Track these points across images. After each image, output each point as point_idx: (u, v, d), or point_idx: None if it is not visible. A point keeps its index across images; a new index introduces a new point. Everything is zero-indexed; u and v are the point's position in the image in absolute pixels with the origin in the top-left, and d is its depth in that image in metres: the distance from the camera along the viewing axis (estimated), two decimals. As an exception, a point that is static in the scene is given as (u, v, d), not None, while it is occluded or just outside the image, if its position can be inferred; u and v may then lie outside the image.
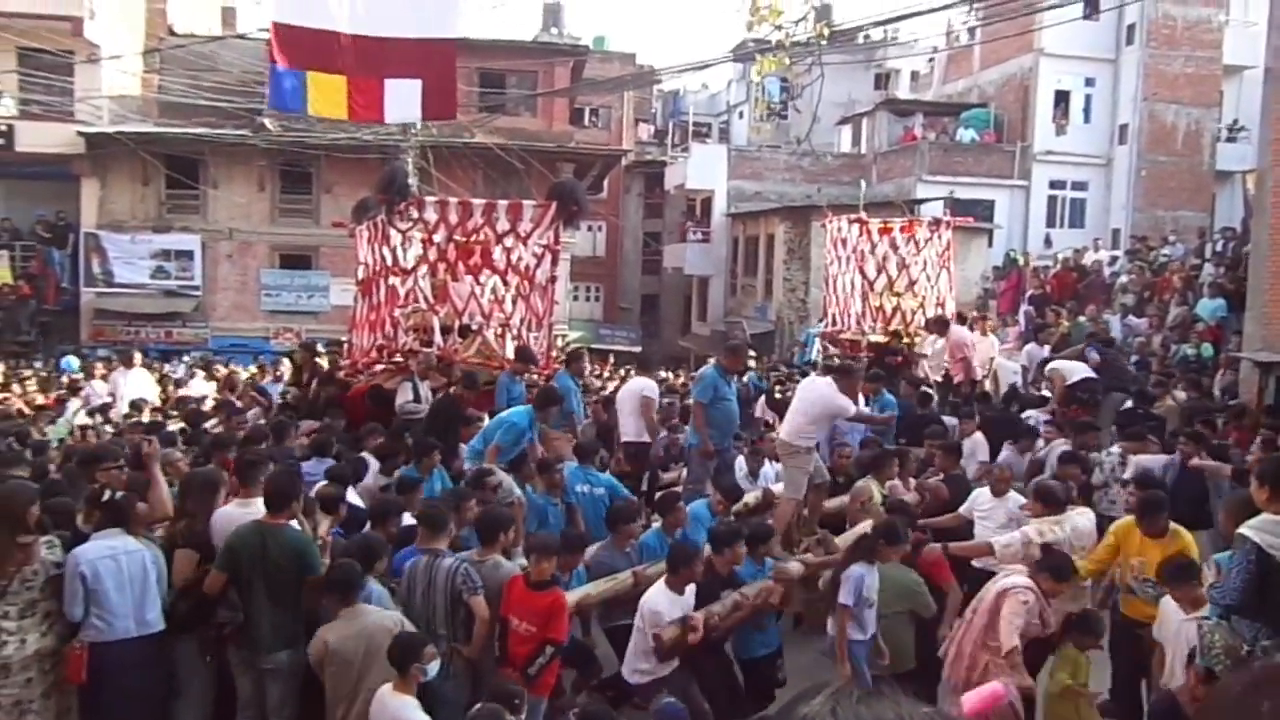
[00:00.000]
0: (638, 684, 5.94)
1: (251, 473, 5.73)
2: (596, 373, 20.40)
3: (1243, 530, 4.56)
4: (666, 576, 6.00)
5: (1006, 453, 9.60)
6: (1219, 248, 20.20)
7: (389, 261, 11.09)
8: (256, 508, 5.52)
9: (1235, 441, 10.17)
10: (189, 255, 25.81)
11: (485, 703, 4.67)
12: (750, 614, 6.43)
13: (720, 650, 6.55)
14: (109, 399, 14.17)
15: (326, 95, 9.73)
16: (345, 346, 12.84)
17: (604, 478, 8.33)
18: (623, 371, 21.97)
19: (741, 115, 40.17)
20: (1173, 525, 6.14)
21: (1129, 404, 11.82)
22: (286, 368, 15.16)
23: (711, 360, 9.31)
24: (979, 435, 10.01)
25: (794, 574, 6.99)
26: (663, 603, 5.87)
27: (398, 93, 9.33)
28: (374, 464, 8.04)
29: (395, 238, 11.01)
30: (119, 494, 5.65)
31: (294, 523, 5.55)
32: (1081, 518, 6.70)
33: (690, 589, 5.97)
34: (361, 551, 5.51)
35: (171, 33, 27.22)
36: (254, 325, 25.85)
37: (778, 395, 13.26)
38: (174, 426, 10.63)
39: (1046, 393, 12.37)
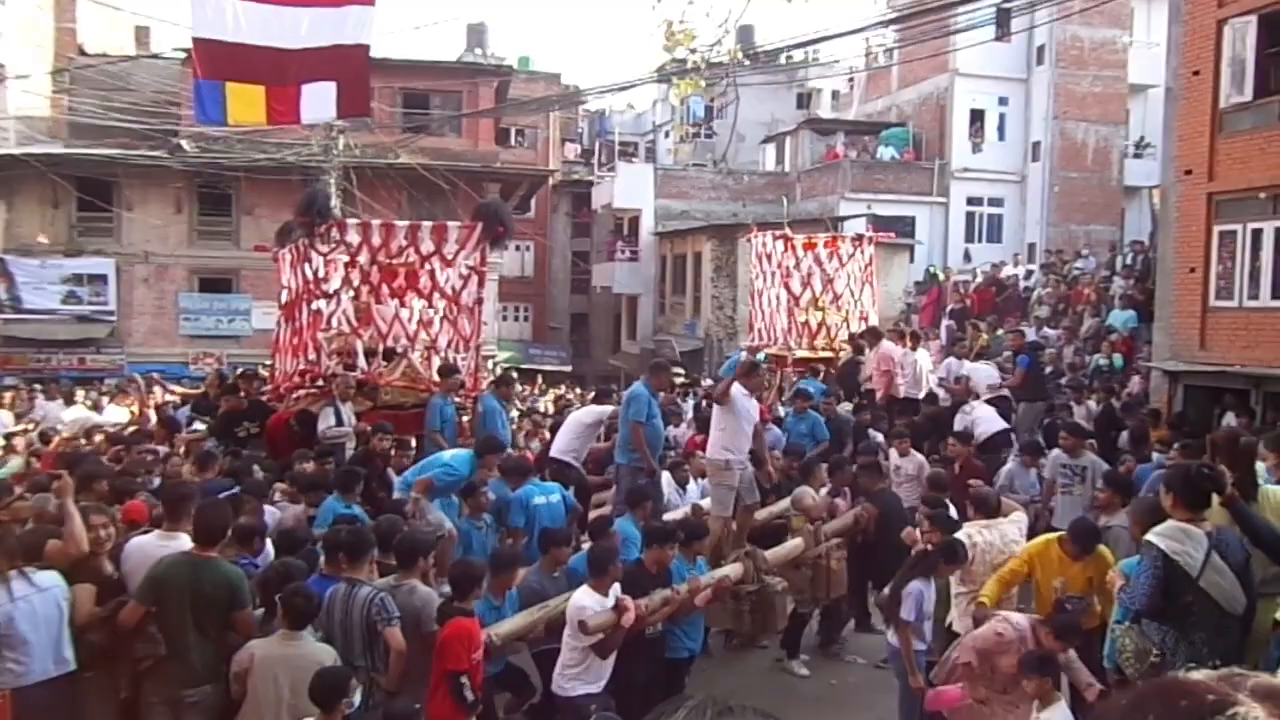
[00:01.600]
0: (568, 698, 5.88)
1: (179, 506, 5.58)
2: (525, 393, 20.32)
3: (1149, 537, 4.70)
4: (590, 580, 5.99)
5: (1012, 464, 9.76)
6: (1129, 260, 20.90)
7: (312, 285, 10.92)
8: (181, 541, 5.37)
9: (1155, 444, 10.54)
10: (103, 279, 25.07)
11: None
12: (679, 609, 6.47)
13: (655, 653, 6.57)
14: (17, 429, 13.66)
15: (245, 104, 9.75)
16: (268, 371, 12.64)
17: (550, 484, 8.28)
18: (553, 391, 21.92)
19: (667, 135, 40.49)
20: (1100, 547, 6.22)
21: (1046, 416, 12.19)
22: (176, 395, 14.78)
23: (640, 379, 9.35)
24: (915, 454, 10.21)
25: (731, 576, 7.11)
26: (588, 601, 5.86)
27: (313, 95, 9.37)
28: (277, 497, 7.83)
29: (317, 260, 10.84)
30: (26, 528, 5.43)
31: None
32: (1012, 526, 6.84)
33: (615, 589, 5.97)
34: (282, 577, 5.38)
35: (82, 52, 26.53)
36: (173, 350, 25.18)
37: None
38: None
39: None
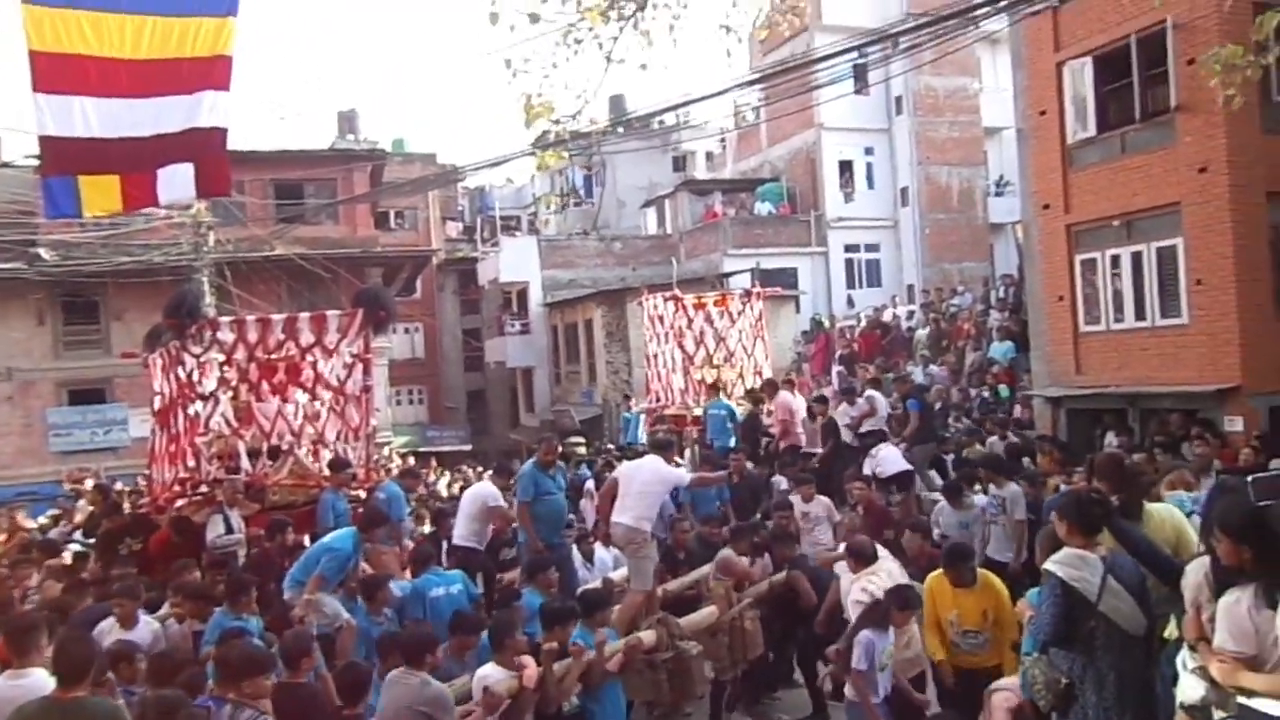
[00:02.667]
0: None
1: (24, 639, 5.08)
2: (425, 474, 19.86)
3: (1047, 566, 4.75)
4: (494, 656, 5.88)
5: (942, 503, 9.84)
6: (1001, 294, 21.75)
7: (186, 388, 10.47)
8: (34, 679, 4.90)
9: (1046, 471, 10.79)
10: (-38, 401, 23.70)
11: None
12: (590, 674, 6.30)
13: None
14: None
15: (99, 194, 9.37)
16: (145, 482, 12.03)
17: (452, 574, 7.98)
18: (451, 473, 21.47)
19: (548, 207, 40.76)
20: (982, 573, 6.35)
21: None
22: (80, 513, 13.97)
23: (532, 458, 9.23)
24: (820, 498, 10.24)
25: (645, 642, 6.96)
26: (491, 671, 5.76)
27: (170, 178, 9.10)
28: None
29: (190, 363, 10.42)
30: None
31: None
32: (893, 563, 6.90)
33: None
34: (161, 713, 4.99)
35: (-71, 165, 25.34)
36: (43, 470, 23.81)
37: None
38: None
39: None
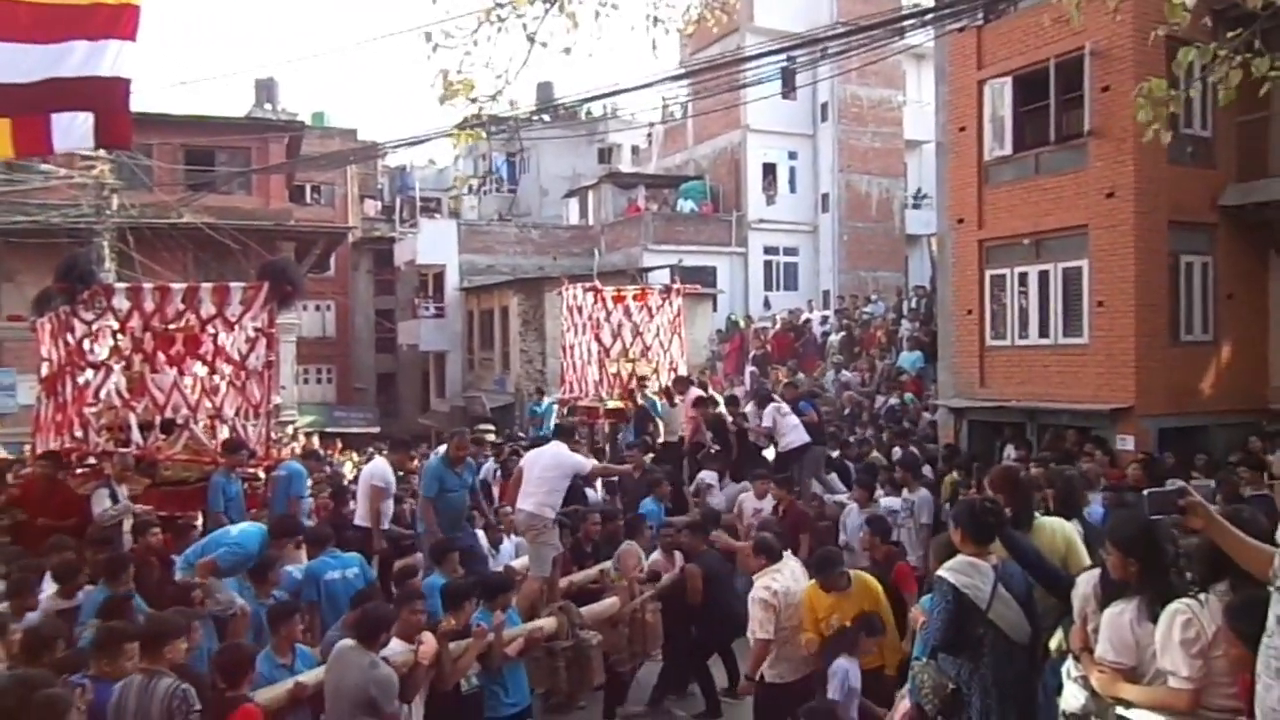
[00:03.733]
0: None
1: None
2: (335, 455, 19.45)
3: (940, 572, 4.82)
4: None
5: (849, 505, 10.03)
6: (913, 304, 22.19)
7: (75, 355, 10.01)
8: None
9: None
10: None
11: None
12: (489, 656, 6.31)
13: (474, 710, 6.34)
14: None
15: None
16: (30, 452, 11.48)
17: (350, 557, 7.80)
18: (357, 455, 21.05)
19: (470, 190, 40.26)
20: (856, 575, 6.48)
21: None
22: None
23: (438, 450, 9.07)
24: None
25: (545, 630, 7.03)
26: (395, 647, 5.75)
27: (66, 125, 8.69)
28: (48, 585, 7.01)
29: (80, 329, 9.96)
30: None
31: None
32: (795, 563, 6.97)
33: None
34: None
35: None
36: (-77, 434, 22.63)
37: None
38: None
39: None
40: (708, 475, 11.62)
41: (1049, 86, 13.98)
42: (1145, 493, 3.76)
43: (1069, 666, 4.27)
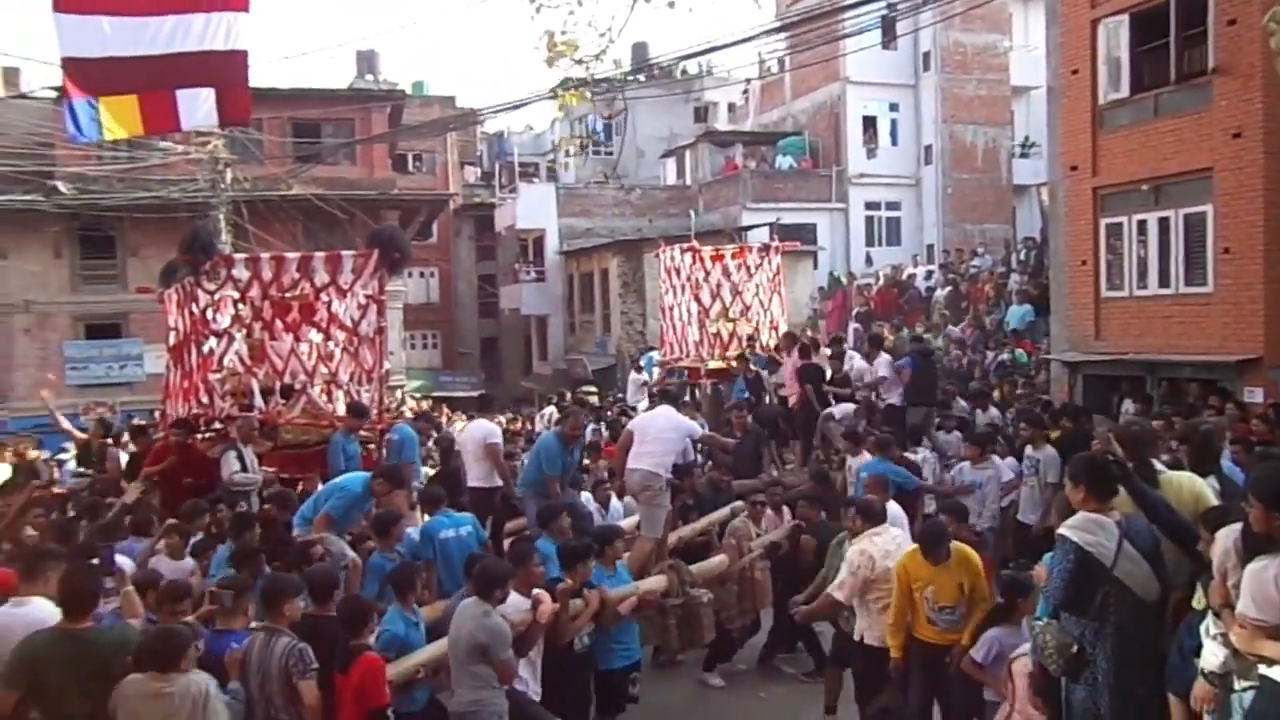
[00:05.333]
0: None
1: (34, 569, 5.12)
2: (444, 419, 19.92)
3: (1061, 530, 4.69)
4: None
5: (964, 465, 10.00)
6: (1022, 257, 21.51)
7: (200, 324, 10.46)
8: (34, 606, 4.94)
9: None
10: (-21, 332, 23.82)
11: None
12: (603, 615, 6.42)
13: (585, 667, 6.49)
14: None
15: (119, 116, 9.37)
16: (160, 417, 12.10)
17: (463, 516, 8.02)
18: (467, 417, 21.55)
19: (567, 153, 40.43)
20: (957, 546, 6.16)
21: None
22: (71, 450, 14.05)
23: (554, 428, 9.22)
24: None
25: (650, 589, 7.06)
26: (515, 602, 5.87)
27: (190, 102, 9.03)
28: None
29: (204, 299, 10.39)
30: None
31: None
32: (897, 529, 6.87)
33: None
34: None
35: (-53, 94, 25.27)
36: (61, 402, 23.92)
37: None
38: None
39: None
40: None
41: (1169, 23, 13.30)
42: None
43: (1208, 624, 4.13)
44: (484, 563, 6.03)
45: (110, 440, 12.27)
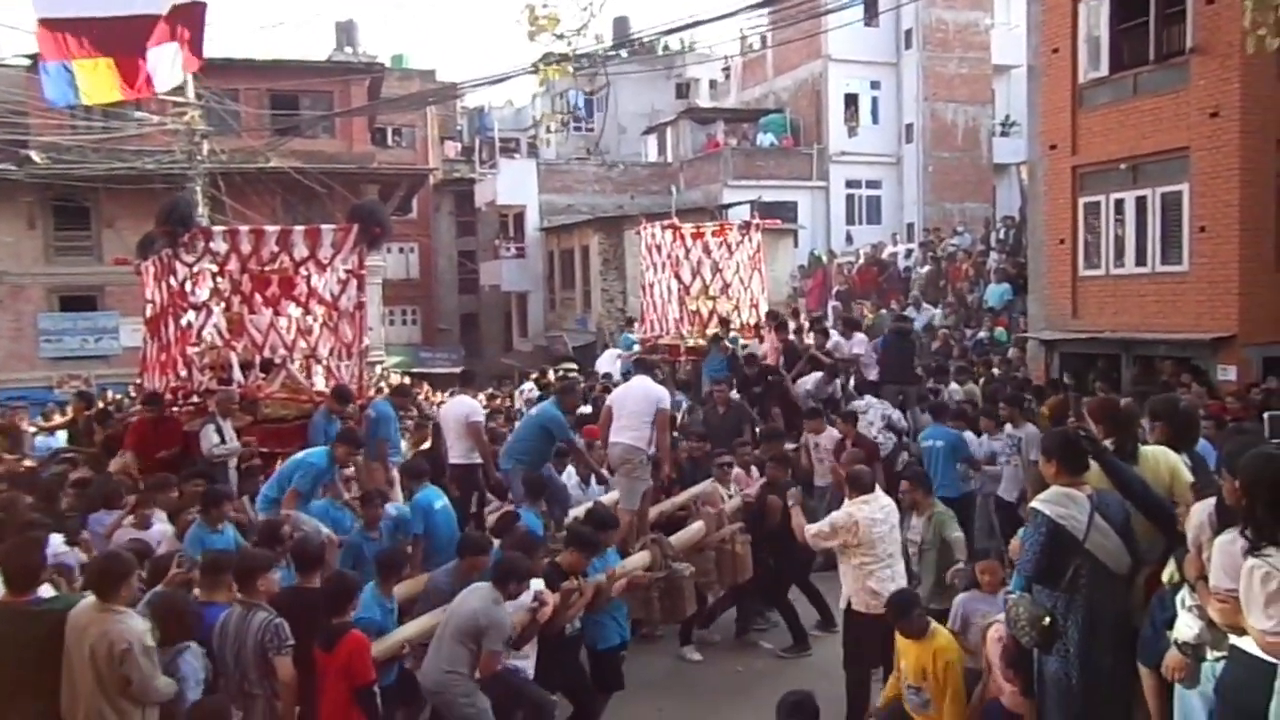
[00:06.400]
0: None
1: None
2: (424, 397, 19.83)
3: (1034, 504, 4.77)
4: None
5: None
6: (1001, 235, 21.61)
7: (178, 297, 10.38)
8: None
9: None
10: (-49, 303, 23.50)
11: None
12: (597, 599, 6.48)
13: (575, 650, 6.56)
14: None
15: (96, 82, 9.38)
16: (137, 390, 12.04)
17: (438, 490, 8.06)
18: (448, 393, 21.47)
19: (548, 129, 40.19)
20: (935, 627, 5.64)
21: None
22: (57, 419, 13.98)
23: (550, 399, 9.25)
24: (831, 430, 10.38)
25: (635, 566, 7.14)
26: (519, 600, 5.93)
27: (160, 61, 9.00)
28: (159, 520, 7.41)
29: (182, 271, 10.30)
30: None
31: (46, 589, 5.00)
32: (885, 498, 6.93)
33: (536, 582, 6.06)
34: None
35: (-84, 63, 24.77)
36: (34, 374, 23.73)
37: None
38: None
39: None
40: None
41: (1148, 2, 13.33)
42: (1266, 415, 3.65)
43: (1183, 596, 4.20)
44: (513, 557, 6.04)
45: (91, 412, 12.18)
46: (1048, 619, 4.58)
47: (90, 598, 4.76)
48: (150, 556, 6.17)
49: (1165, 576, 4.44)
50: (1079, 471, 4.71)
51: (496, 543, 6.68)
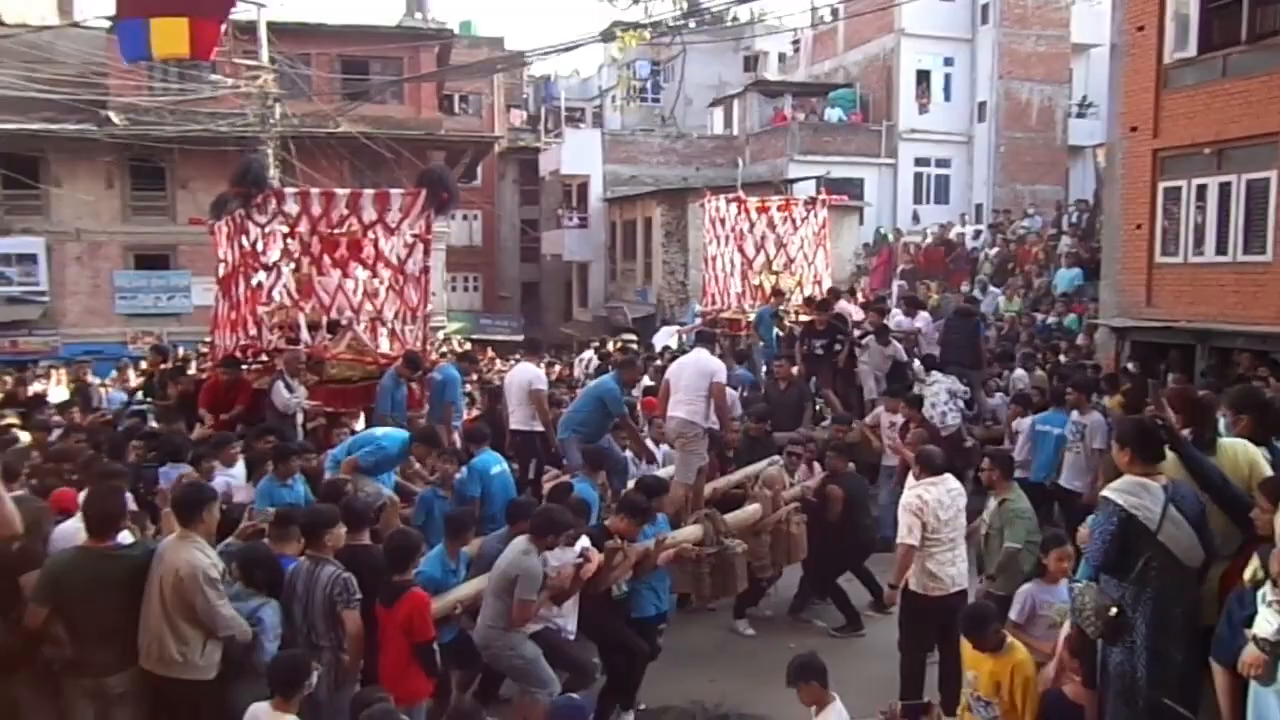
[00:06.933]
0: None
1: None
2: (488, 363, 20.02)
3: (1106, 493, 4.66)
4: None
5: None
6: (1073, 219, 21.09)
7: (249, 257, 10.58)
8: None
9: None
10: (32, 259, 24.20)
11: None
12: (642, 565, 6.50)
13: (616, 609, 6.57)
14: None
15: (167, 38, 9.53)
16: (208, 348, 12.32)
17: (496, 455, 8.15)
18: (512, 360, 21.65)
19: (615, 100, 40.05)
20: (1012, 643, 5.27)
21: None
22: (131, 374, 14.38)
23: (610, 373, 9.28)
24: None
25: (686, 538, 7.12)
26: (564, 555, 6.05)
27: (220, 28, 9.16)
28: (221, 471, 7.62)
29: (255, 232, 10.50)
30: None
31: (125, 535, 5.19)
32: (953, 481, 6.81)
33: (582, 540, 6.18)
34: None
35: (1, 23, 25.42)
36: (109, 330, 24.44)
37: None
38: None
39: None
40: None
41: (1243, -21, 12.83)
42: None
43: (1264, 592, 4.09)
44: (550, 508, 6.13)
45: (166, 367, 12.50)
46: (1114, 609, 4.49)
47: (173, 535, 5.02)
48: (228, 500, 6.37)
49: (1248, 574, 4.31)
50: (1154, 461, 4.60)
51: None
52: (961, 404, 10.84)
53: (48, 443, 8.77)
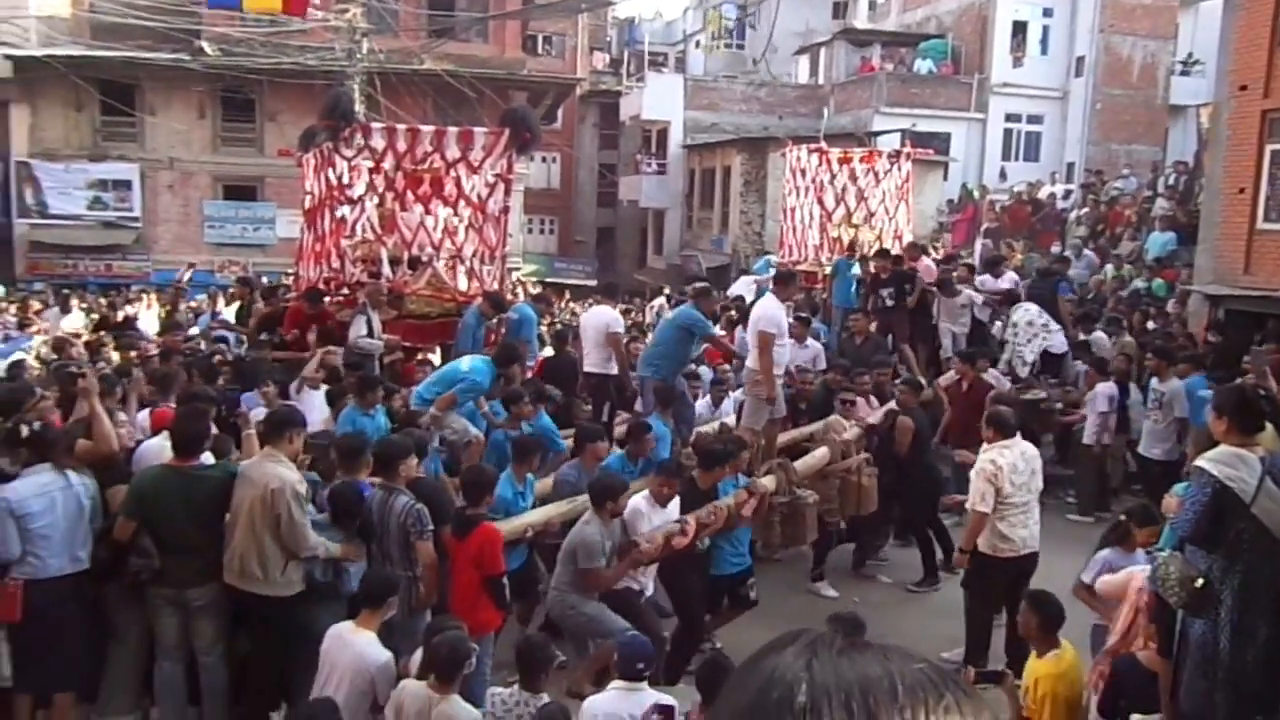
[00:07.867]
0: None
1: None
2: (560, 307, 20.15)
3: (1199, 462, 4.53)
4: (647, 493, 6.25)
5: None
6: (1171, 181, 20.29)
7: (335, 190, 10.74)
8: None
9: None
10: (127, 185, 24.89)
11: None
12: (725, 523, 6.51)
13: (699, 563, 6.61)
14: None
15: None
16: (293, 278, 12.58)
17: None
18: (589, 303, 21.75)
19: (698, 44, 39.44)
20: (1065, 645, 5.00)
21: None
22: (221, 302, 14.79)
23: (689, 302, 9.18)
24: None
25: (767, 488, 7.12)
26: (645, 508, 6.16)
27: None
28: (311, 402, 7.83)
29: (341, 165, 10.64)
30: (37, 426, 5.31)
31: (208, 456, 5.39)
32: (1028, 446, 6.72)
33: (675, 504, 6.27)
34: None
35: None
36: (198, 258, 24.97)
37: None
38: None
39: None
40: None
41: (1375, -69, 12.08)
42: None
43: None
44: (608, 477, 6.21)
45: (254, 295, 12.83)
46: (1200, 580, 4.38)
47: (259, 455, 5.22)
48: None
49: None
50: (1253, 431, 4.45)
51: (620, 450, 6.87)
52: (1042, 338, 10.64)
53: (147, 360, 9.08)
